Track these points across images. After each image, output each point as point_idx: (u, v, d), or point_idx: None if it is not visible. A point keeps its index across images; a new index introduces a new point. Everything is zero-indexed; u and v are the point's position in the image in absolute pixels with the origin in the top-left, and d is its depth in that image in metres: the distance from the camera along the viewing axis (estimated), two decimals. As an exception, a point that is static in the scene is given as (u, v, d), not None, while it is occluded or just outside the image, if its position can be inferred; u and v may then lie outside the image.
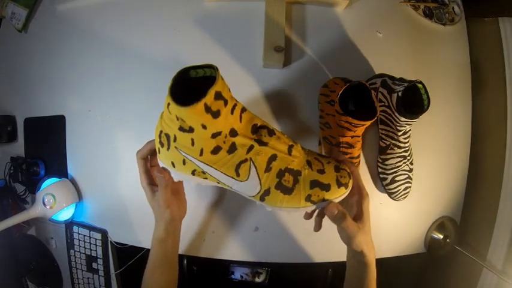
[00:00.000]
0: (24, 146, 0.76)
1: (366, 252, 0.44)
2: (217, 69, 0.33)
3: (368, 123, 0.52)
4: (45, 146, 0.74)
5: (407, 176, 0.62)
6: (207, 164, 0.38)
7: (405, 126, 0.56)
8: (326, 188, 0.41)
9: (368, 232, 0.44)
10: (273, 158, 0.39)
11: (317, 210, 0.47)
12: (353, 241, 0.43)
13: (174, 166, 0.41)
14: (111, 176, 0.69)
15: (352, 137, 0.56)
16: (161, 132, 0.39)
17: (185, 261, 0.66)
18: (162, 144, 0.39)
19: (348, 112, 0.51)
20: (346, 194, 0.42)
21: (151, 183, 0.48)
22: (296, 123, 0.64)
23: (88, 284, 0.71)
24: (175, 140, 0.37)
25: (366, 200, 0.44)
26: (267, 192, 0.40)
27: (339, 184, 0.41)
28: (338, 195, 0.41)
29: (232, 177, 0.39)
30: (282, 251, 0.65)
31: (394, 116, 0.55)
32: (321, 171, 0.41)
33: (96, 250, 0.69)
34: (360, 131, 0.55)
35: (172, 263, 0.52)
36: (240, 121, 0.36)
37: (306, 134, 0.64)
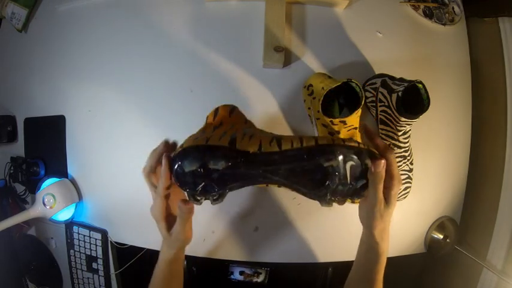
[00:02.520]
0: (24, 146, 0.76)
1: (379, 239, 0.42)
2: None
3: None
4: (45, 146, 0.74)
5: (407, 176, 0.62)
6: None
7: (405, 126, 0.55)
8: None
9: (389, 218, 0.42)
10: None
11: None
12: (374, 215, 0.40)
13: None
14: (111, 176, 0.69)
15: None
16: None
17: (185, 261, 0.66)
18: None
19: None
20: None
21: (168, 214, 0.40)
22: (296, 123, 0.64)
23: (88, 284, 0.71)
24: None
25: (396, 187, 0.41)
26: None
27: None
28: None
29: None
30: (282, 251, 0.65)
31: (394, 116, 0.55)
32: None
33: (96, 250, 0.69)
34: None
35: (179, 277, 0.50)
36: None
37: (306, 134, 0.64)
